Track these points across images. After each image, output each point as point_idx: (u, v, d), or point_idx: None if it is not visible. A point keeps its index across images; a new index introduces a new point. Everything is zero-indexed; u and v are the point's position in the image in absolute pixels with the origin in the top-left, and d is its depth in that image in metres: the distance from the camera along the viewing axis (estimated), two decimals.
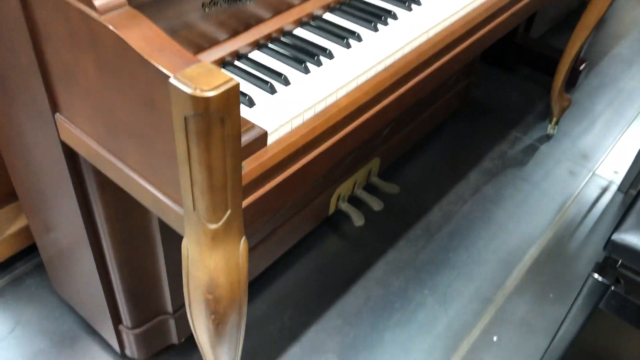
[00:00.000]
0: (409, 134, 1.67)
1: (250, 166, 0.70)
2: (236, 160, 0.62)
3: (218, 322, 0.73)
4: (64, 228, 1.06)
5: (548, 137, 1.89)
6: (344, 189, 1.50)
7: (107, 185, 0.90)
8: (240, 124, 0.60)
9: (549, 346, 1.20)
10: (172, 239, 1.03)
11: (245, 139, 0.69)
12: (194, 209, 0.65)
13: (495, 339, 1.36)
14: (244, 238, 0.71)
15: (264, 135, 0.71)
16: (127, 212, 0.95)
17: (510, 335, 1.37)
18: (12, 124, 0.95)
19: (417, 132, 1.71)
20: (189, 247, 0.69)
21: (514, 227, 1.60)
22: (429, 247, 1.53)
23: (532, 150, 1.85)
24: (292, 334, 1.32)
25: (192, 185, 0.63)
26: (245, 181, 0.69)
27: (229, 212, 0.66)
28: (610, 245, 0.97)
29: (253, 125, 0.70)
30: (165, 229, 1.01)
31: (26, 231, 1.34)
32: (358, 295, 1.42)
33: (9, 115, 0.94)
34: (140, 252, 1.03)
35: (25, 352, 1.26)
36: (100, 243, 1.01)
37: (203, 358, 0.86)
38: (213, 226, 0.66)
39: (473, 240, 1.56)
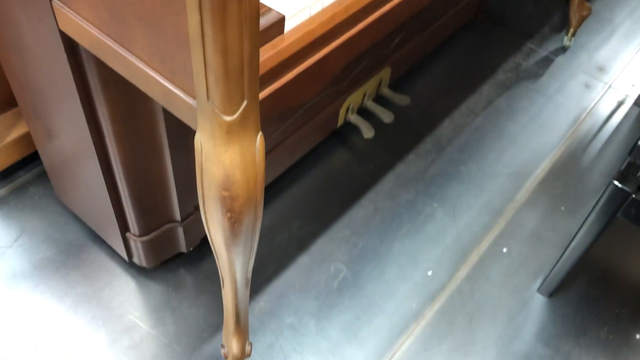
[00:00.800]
0: (421, 44, 1.60)
1: (267, 54, 0.65)
2: (254, 44, 0.57)
3: (234, 221, 0.70)
4: (67, 132, 1.02)
5: (564, 49, 1.82)
6: (354, 100, 1.45)
7: (112, 82, 0.85)
8: (258, 2, 0.55)
9: (560, 256, 1.18)
10: (180, 142, 1.00)
11: (261, 23, 0.64)
12: (208, 99, 0.61)
13: (504, 250, 1.35)
14: (260, 134, 0.67)
15: (282, 20, 0.65)
16: (133, 112, 0.91)
17: (520, 247, 1.36)
18: (6, 18, 0.89)
19: (430, 42, 1.64)
20: (202, 142, 0.65)
21: (527, 141, 1.57)
22: (439, 161, 1.50)
23: (546, 62, 1.78)
24: (301, 244, 1.31)
25: (206, 71, 0.59)
26: (261, 71, 0.65)
27: (245, 103, 0.62)
28: (637, 151, 0.93)
29: (269, 9, 0.64)
30: (173, 131, 0.97)
31: (27, 138, 1.30)
32: (366, 207, 1.40)
33: (3, 8, 0.88)
34: (147, 157, 1.00)
35: (32, 259, 1.25)
36: (105, 147, 0.97)
37: (217, 262, 0.84)
38: (228, 118, 0.62)
39: (484, 153, 1.53)
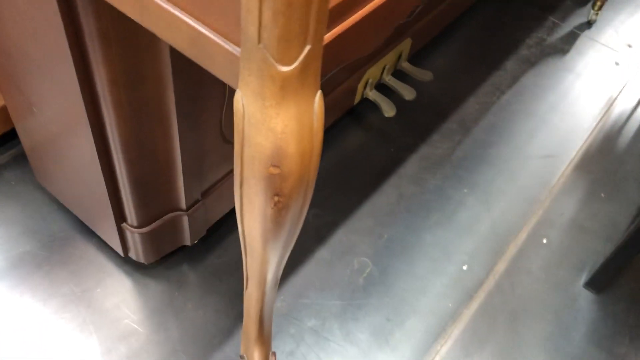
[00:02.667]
0: (441, 14, 1.45)
1: None
2: None
3: (281, 207, 0.55)
4: (54, 104, 0.85)
5: (589, 24, 1.69)
6: (372, 74, 1.30)
7: (113, 37, 0.68)
8: None
9: (614, 253, 1.05)
10: (191, 114, 0.84)
11: None
12: (259, 42, 0.45)
13: (544, 241, 1.21)
14: (320, 93, 0.51)
15: None
16: (137, 77, 0.74)
17: (561, 238, 1.22)
18: None
19: (451, 12, 1.49)
20: (245, 103, 0.50)
21: (558, 121, 1.43)
22: (465, 142, 1.36)
23: (572, 37, 1.65)
24: (319, 235, 1.16)
25: (260, 3, 0.43)
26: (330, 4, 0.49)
27: (307, 48, 0.46)
28: None
29: None
30: (183, 101, 0.80)
31: (1, 115, 1.12)
32: (389, 193, 1.25)
33: None
34: (150, 132, 0.83)
35: (9, 255, 1.07)
36: (101, 120, 0.80)
37: (244, 259, 0.69)
38: (285, 69, 0.46)
39: (513, 134, 1.39)
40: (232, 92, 0.88)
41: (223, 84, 0.85)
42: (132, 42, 0.70)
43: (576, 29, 1.67)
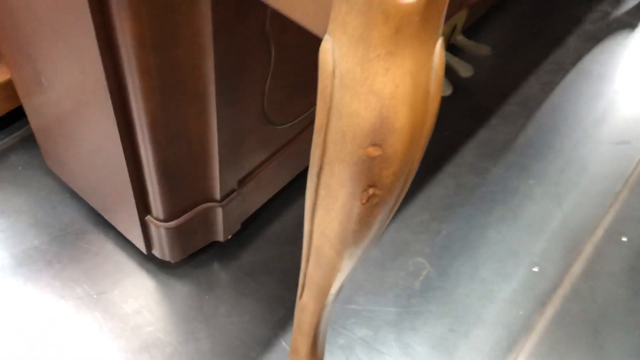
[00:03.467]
0: None
1: None
2: None
3: (376, 203, 0.40)
4: (68, 73, 0.70)
5: None
6: None
7: None
8: None
9: None
10: (231, 88, 0.69)
11: None
12: None
13: (624, 239, 1.06)
14: (441, 40, 0.37)
15: None
16: (170, 36, 0.60)
17: None
18: None
19: None
20: (338, 55, 0.35)
21: (629, 104, 1.27)
22: (529, 127, 1.20)
23: (639, 12, 1.48)
24: None
25: None
26: None
27: None
28: None
29: None
30: (224, 68, 0.66)
31: (6, 90, 0.98)
32: (446, 184, 1.10)
33: None
34: (183, 108, 0.68)
35: (15, 250, 0.94)
36: (124, 91, 0.66)
37: (304, 266, 0.54)
38: (406, 1, 0.32)
39: (581, 118, 1.23)
40: (280, 59, 0.73)
41: (268, 49, 0.70)
42: None
43: None
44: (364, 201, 0.39)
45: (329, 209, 0.43)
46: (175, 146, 0.72)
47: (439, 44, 0.36)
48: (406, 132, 0.36)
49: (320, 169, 0.40)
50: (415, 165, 0.40)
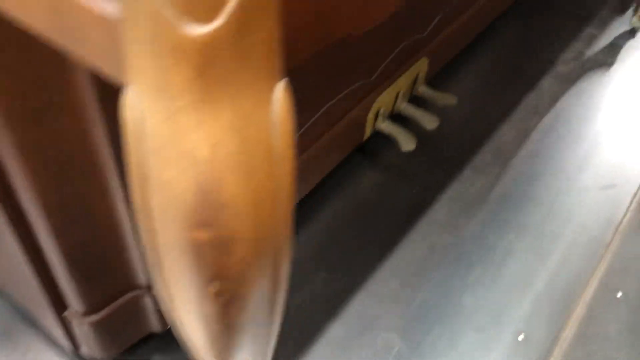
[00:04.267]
0: (462, 28, 1.23)
1: None
2: None
3: (228, 300, 0.30)
4: None
5: (632, 33, 1.46)
6: (384, 102, 1.07)
7: None
8: None
9: None
10: None
11: None
12: None
13: (619, 295, 0.95)
14: (284, 82, 0.28)
15: None
16: (43, 106, 0.51)
17: (639, 289, 0.95)
18: None
19: (473, 26, 1.27)
20: (142, 108, 0.26)
21: (613, 146, 1.18)
22: (505, 177, 1.11)
23: (614, 50, 1.41)
24: (331, 307, 0.91)
25: None
26: None
27: None
28: None
29: None
30: (119, 136, 0.57)
31: None
32: (416, 245, 1.00)
33: None
34: (79, 187, 0.60)
35: None
36: (4, 174, 0.57)
37: None
38: (200, 29, 0.23)
39: (561, 163, 1.14)
40: None
41: None
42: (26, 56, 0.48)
43: (618, 40, 1.44)
44: (212, 299, 0.30)
45: (186, 311, 0.33)
46: (79, 231, 0.63)
47: (280, 87, 0.27)
48: (242, 205, 0.26)
49: (159, 260, 0.31)
50: (281, 244, 0.30)
